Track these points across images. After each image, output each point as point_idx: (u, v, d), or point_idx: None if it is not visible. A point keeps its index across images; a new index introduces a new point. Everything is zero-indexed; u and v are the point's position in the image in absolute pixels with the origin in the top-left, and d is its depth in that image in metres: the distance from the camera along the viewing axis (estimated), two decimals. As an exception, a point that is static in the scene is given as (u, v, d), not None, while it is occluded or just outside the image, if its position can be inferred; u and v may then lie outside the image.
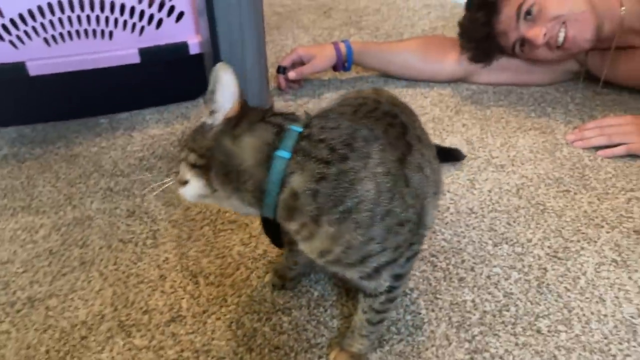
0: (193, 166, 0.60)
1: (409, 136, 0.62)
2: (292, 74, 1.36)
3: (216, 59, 1.09)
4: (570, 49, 1.20)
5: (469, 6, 1.30)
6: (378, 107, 0.64)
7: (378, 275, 0.61)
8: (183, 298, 0.81)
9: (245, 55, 1.10)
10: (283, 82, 1.39)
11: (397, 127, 0.62)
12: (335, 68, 1.40)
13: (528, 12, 1.18)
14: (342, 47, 1.37)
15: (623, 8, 1.17)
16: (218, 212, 0.97)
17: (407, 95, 1.35)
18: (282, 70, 1.38)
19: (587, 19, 1.16)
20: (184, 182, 0.62)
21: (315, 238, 0.58)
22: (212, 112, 0.59)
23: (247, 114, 0.59)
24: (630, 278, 0.82)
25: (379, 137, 0.58)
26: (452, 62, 1.37)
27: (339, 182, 0.55)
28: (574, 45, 1.18)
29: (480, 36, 1.27)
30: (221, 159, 0.58)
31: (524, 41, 1.22)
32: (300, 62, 1.39)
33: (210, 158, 0.59)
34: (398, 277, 0.63)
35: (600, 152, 1.11)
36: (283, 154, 0.56)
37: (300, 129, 0.58)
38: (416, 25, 1.77)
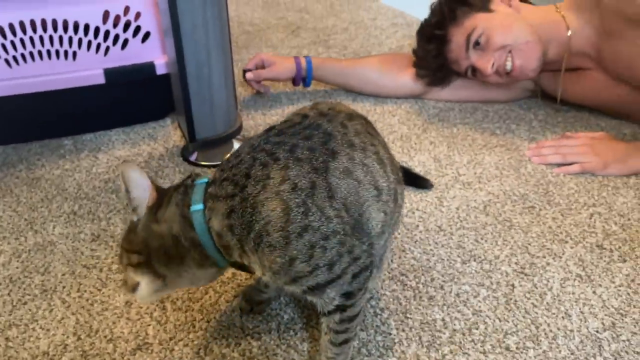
0: (137, 266, 0.63)
1: (334, 143, 0.62)
2: (249, 75, 1.40)
3: (183, 79, 1.08)
4: (518, 77, 1.24)
5: (420, 37, 1.34)
6: (301, 122, 0.65)
7: (321, 293, 0.61)
8: (150, 325, 0.79)
9: (212, 75, 1.09)
10: (253, 84, 1.43)
11: (315, 137, 0.62)
12: (294, 82, 1.43)
13: (476, 42, 1.22)
14: (303, 61, 1.41)
15: (569, 31, 1.21)
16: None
17: (375, 114, 1.36)
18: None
19: (532, 48, 1.20)
20: (135, 286, 0.65)
21: (251, 265, 0.61)
22: (134, 209, 0.62)
23: (165, 195, 0.63)
24: (594, 292, 0.84)
25: (279, 158, 0.59)
26: (410, 79, 1.40)
27: (244, 210, 0.58)
28: (521, 74, 1.23)
29: (435, 66, 1.32)
30: (156, 244, 0.62)
31: (475, 69, 1.26)
32: (263, 67, 1.42)
33: (148, 249, 0.62)
34: (348, 296, 0.62)
35: (557, 170, 1.14)
36: (196, 207, 0.60)
37: (205, 180, 0.63)
38: (383, 44, 1.79)
